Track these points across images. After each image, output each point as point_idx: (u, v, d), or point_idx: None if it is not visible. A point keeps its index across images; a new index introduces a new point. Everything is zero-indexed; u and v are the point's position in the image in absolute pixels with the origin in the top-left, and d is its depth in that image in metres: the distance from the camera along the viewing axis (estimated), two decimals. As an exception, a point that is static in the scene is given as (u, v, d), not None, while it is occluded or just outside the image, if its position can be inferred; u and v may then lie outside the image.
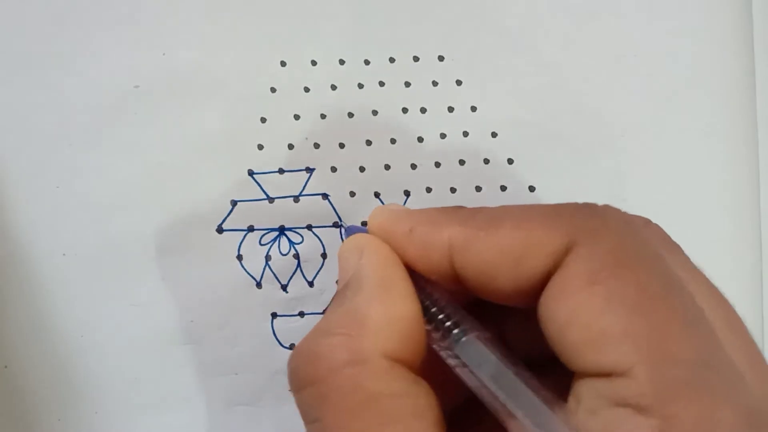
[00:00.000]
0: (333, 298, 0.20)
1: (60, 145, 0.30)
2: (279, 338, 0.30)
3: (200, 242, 0.30)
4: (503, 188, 0.31)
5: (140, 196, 0.30)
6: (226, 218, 0.30)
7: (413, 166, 0.30)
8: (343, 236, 0.23)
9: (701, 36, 0.31)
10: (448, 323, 0.19)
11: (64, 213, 0.30)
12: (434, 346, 0.19)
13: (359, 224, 0.30)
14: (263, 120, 0.30)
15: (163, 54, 0.30)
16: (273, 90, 0.30)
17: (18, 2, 0.30)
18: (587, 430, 0.16)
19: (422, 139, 0.31)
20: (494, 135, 0.31)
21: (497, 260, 0.19)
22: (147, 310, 0.30)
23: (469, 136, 0.31)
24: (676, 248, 0.20)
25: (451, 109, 0.31)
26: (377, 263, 0.20)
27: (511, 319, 0.21)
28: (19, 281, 0.30)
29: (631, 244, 0.18)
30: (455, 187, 0.30)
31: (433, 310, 0.19)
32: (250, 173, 0.30)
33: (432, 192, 0.30)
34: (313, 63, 0.30)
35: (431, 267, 0.20)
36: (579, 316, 0.17)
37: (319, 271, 0.30)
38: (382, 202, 0.30)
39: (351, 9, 0.30)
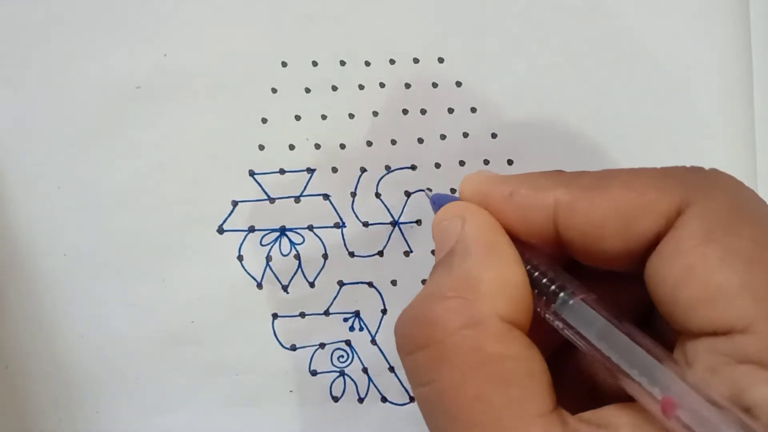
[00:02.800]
0: (436, 266, 0.20)
1: (61, 146, 0.30)
2: (279, 339, 0.30)
3: (201, 242, 0.30)
4: (503, 189, 0.31)
5: (140, 196, 0.30)
6: (226, 218, 0.30)
7: (413, 167, 0.31)
8: (432, 205, 0.23)
9: (699, 36, 0.31)
10: (552, 287, 0.19)
11: (65, 213, 0.30)
12: (539, 310, 0.19)
13: (447, 192, 0.30)
14: (264, 120, 0.30)
15: (164, 55, 0.30)
16: (274, 90, 0.30)
17: (19, 3, 0.30)
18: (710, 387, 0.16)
19: (422, 140, 0.31)
20: (494, 136, 0.31)
21: (607, 221, 0.18)
22: (147, 310, 0.30)
23: (468, 137, 0.31)
24: None
25: (451, 110, 0.31)
26: (483, 229, 0.20)
27: (607, 286, 0.21)
28: (20, 281, 0.30)
29: (743, 202, 0.18)
30: (455, 187, 0.31)
31: (536, 274, 0.19)
32: (251, 173, 0.30)
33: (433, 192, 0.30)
34: (314, 64, 0.30)
35: (533, 230, 0.20)
36: (695, 273, 0.17)
37: (320, 271, 0.30)
38: (384, 203, 0.30)
39: (352, 10, 0.30)
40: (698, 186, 0.18)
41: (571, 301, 0.18)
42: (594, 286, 0.20)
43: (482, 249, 0.19)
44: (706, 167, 0.20)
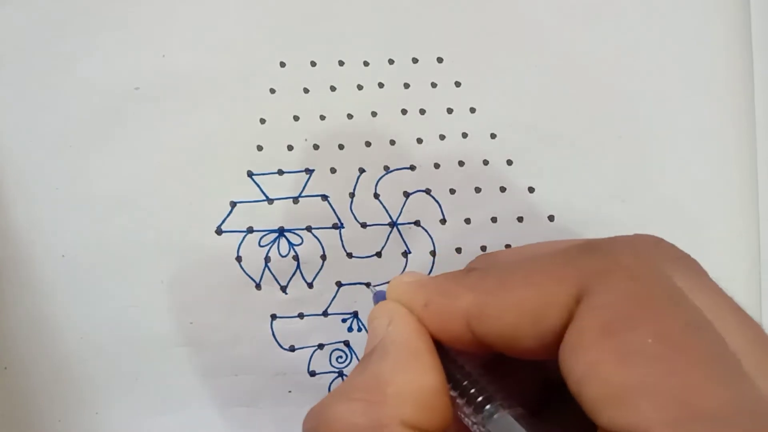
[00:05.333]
0: (358, 363, 0.20)
1: (60, 147, 0.30)
2: (278, 339, 0.30)
3: (200, 243, 0.30)
4: (503, 189, 0.31)
5: (140, 197, 0.30)
6: (225, 219, 0.30)
7: (412, 168, 0.30)
8: (373, 301, 0.23)
9: (700, 37, 0.31)
10: (480, 398, 0.19)
11: (65, 214, 0.30)
12: (465, 419, 0.19)
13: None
14: (262, 121, 0.30)
15: (163, 56, 0.30)
16: (272, 91, 0.30)
17: (19, 5, 0.30)
18: None
19: (421, 141, 0.31)
20: (493, 136, 0.31)
21: (515, 323, 0.18)
22: (147, 311, 0.30)
23: (468, 138, 0.31)
24: (691, 268, 0.18)
25: (450, 111, 0.31)
26: (404, 332, 0.20)
27: (535, 367, 0.21)
28: (20, 282, 0.30)
29: (644, 285, 0.17)
30: (454, 188, 0.30)
31: (465, 383, 0.19)
32: (250, 174, 0.30)
33: (431, 193, 0.30)
34: (313, 64, 0.30)
35: (452, 337, 0.20)
36: (596, 370, 0.16)
37: (318, 272, 0.30)
38: (382, 204, 0.30)
39: (350, 11, 0.30)
40: (595, 271, 0.17)
41: (496, 415, 0.18)
42: (522, 369, 0.20)
43: (399, 352, 0.19)
44: (607, 245, 0.19)
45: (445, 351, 0.20)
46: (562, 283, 0.18)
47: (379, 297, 0.23)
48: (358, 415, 0.18)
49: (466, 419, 0.19)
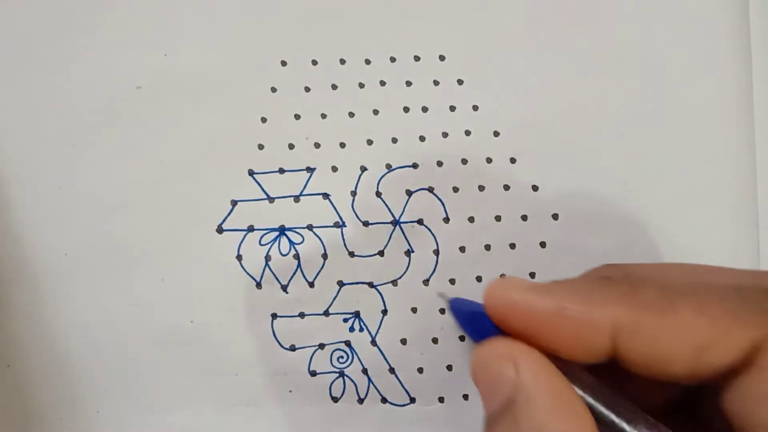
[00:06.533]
0: (495, 419, 0.18)
1: (62, 146, 0.30)
2: (279, 339, 0.30)
3: (200, 242, 0.30)
4: (506, 187, 0.30)
5: (140, 196, 0.30)
6: (226, 218, 0.30)
7: (415, 166, 0.30)
8: (454, 313, 0.21)
9: (699, 37, 0.30)
10: (619, 422, 0.18)
11: (66, 213, 0.30)
12: None
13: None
14: (264, 120, 0.30)
15: (165, 55, 0.30)
16: (273, 89, 0.30)
17: (20, 4, 0.30)
18: None
19: (424, 138, 0.30)
20: (496, 134, 0.30)
21: (675, 348, 0.17)
22: (147, 310, 0.30)
23: (471, 135, 0.30)
24: None
25: (452, 108, 0.30)
26: (542, 375, 0.18)
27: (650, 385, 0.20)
28: (21, 281, 0.30)
29: None
30: (458, 186, 0.30)
31: (600, 410, 0.18)
32: (251, 173, 0.30)
33: (435, 191, 0.30)
34: (314, 62, 0.30)
35: (587, 351, 0.18)
36: None
37: (319, 271, 0.30)
38: (384, 202, 0.30)
39: (352, 8, 0.30)
40: None
41: None
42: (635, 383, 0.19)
43: (548, 399, 0.17)
44: None
45: (570, 375, 0.18)
46: (742, 323, 0.17)
47: (462, 308, 0.21)
48: None
49: None
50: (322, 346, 0.30)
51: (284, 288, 0.30)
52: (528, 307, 0.18)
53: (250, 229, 0.30)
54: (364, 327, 0.30)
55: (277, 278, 0.30)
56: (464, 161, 0.30)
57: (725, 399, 0.17)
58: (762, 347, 0.16)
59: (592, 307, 0.18)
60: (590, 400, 0.18)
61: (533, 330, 0.18)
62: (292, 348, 0.30)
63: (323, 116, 0.30)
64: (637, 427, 0.17)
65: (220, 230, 0.30)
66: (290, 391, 0.30)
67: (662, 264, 0.22)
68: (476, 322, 0.20)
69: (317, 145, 0.30)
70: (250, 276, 0.30)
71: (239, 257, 0.30)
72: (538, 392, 0.17)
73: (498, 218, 0.30)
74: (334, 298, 0.30)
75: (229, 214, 0.30)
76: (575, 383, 0.18)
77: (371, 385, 0.30)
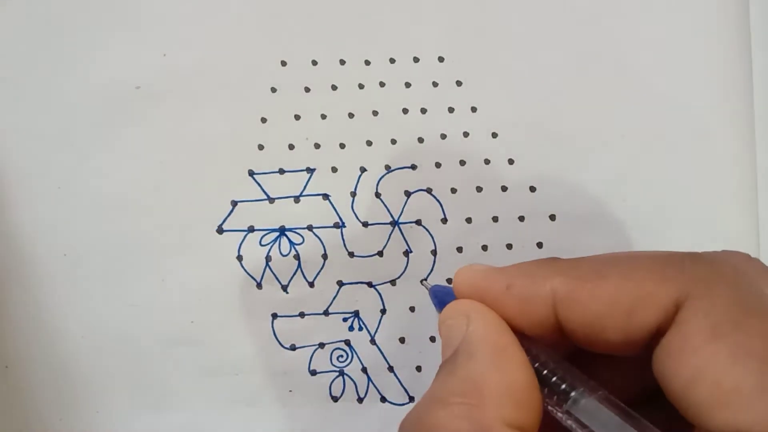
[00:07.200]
0: (441, 367, 0.19)
1: (62, 146, 0.30)
2: (279, 339, 0.30)
3: (200, 242, 0.30)
4: (504, 188, 0.30)
5: (140, 196, 0.30)
6: (226, 218, 0.30)
7: (414, 167, 0.30)
8: (432, 298, 0.22)
9: (699, 37, 0.30)
10: (563, 386, 0.18)
11: (66, 213, 0.30)
12: (550, 408, 0.19)
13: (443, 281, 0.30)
14: (264, 120, 0.30)
15: (164, 55, 0.30)
16: (273, 90, 0.30)
17: (20, 5, 0.30)
18: None
19: (422, 140, 0.31)
20: (494, 135, 0.31)
21: (606, 312, 0.18)
22: (147, 310, 0.30)
23: (469, 137, 0.31)
24: None
25: (451, 110, 0.31)
26: (488, 329, 0.19)
27: (611, 368, 0.21)
28: (21, 281, 0.30)
29: (747, 295, 0.17)
30: (456, 187, 0.30)
31: (545, 372, 0.19)
32: (251, 173, 0.30)
33: (433, 192, 0.30)
34: (314, 63, 0.30)
35: (533, 322, 0.19)
36: (706, 373, 0.16)
37: (319, 271, 0.30)
38: (383, 203, 0.30)
39: (351, 9, 0.30)
40: (699, 277, 0.18)
41: (583, 400, 0.18)
42: (597, 369, 0.20)
43: (487, 351, 0.19)
44: (708, 252, 0.19)
45: (520, 341, 0.19)
46: (664, 284, 0.18)
47: (438, 291, 0.22)
48: (461, 419, 0.17)
49: (552, 409, 0.19)
50: (321, 345, 0.31)
51: (284, 288, 0.30)
52: (485, 286, 0.20)
53: (251, 229, 0.30)
54: (363, 326, 0.31)
55: (277, 278, 0.30)
56: (462, 162, 0.31)
57: (654, 364, 0.18)
58: (682, 305, 0.17)
59: (534, 281, 0.19)
60: (537, 364, 0.19)
61: (490, 305, 0.20)
62: (292, 347, 0.31)
63: (323, 117, 0.30)
64: (577, 390, 0.18)
65: (220, 231, 0.30)
66: (290, 391, 0.31)
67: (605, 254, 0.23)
68: (446, 301, 0.21)
69: (317, 146, 0.30)
70: (251, 276, 0.30)
71: (239, 257, 0.30)
72: (480, 344, 0.19)
73: (495, 219, 0.31)
74: (334, 298, 0.30)
75: (229, 214, 0.30)
76: (526, 346, 0.19)
77: (371, 384, 0.31)
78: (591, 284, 0.18)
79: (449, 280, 0.30)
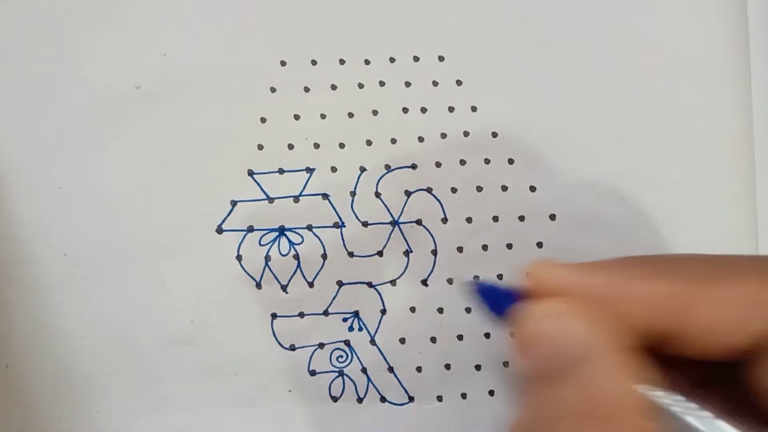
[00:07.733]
0: (547, 378, 0.17)
1: (62, 146, 0.30)
2: (279, 339, 0.30)
3: (200, 242, 0.30)
4: (504, 188, 0.30)
5: (140, 197, 0.30)
6: (225, 218, 0.30)
7: (414, 166, 0.30)
8: (481, 296, 0.20)
9: (699, 38, 0.30)
10: (679, 400, 0.17)
11: (66, 213, 0.30)
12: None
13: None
14: (263, 120, 0.30)
15: (164, 55, 0.30)
16: (273, 90, 0.30)
17: (20, 5, 0.30)
18: None
19: (423, 139, 0.30)
20: (495, 135, 0.30)
21: (730, 316, 0.17)
22: (147, 310, 0.30)
23: (469, 136, 0.30)
24: None
25: (451, 109, 0.30)
26: (603, 335, 0.17)
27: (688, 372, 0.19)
28: (21, 281, 0.30)
29: None
30: (456, 187, 0.30)
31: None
32: (250, 173, 0.30)
33: (433, 192, 0.30)
34: (313, 62, 0.30)
35: (634, 326, 0.17)
36: None
37: (319, 271, 0.30)
38: (383, 203, 0.30)
39: (351, 9, 0.30)
40: None
41: (717, 422, 0.17)
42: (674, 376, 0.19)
43: (605, 359, 0.17)
44: None
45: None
46: None
47: (489, 291, 0.20)
48: None
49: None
50: (321, 345, 0.31)
51: (284, 288, 0.30)
52: (579, 285, 0.18)
53: (250, 229, 0.30)
54: (363, 326, 0.31)
55: (276, 278, 0.30)
56: (463, 162, 0.30)
57: (758, 374, 0.17)
58: None
59: (649, 282, 0.17)
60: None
61: (592, 309, 0.18)
62: (292, 348, 0.31)
63: (323, 116, 0.30)
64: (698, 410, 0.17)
65: (219, 230, 0.30)
66: (290, 391, 0.31)
67: (681, 254, 0.21)
68: (505, 302, 0.19)
69: (317, 146, 0.30)
70: (250, 276, 0.30)
71: (239, 257, 0.30)
72: (594, 351, 0.17)
73: (495, 219, 0.30)
74: (334, 298, 0.30)
75: (228, 214, 0.30)
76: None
77: (370, 384, 0.31)
78: (714, 288, 0.17)
79: (450, 281, 0.30)
